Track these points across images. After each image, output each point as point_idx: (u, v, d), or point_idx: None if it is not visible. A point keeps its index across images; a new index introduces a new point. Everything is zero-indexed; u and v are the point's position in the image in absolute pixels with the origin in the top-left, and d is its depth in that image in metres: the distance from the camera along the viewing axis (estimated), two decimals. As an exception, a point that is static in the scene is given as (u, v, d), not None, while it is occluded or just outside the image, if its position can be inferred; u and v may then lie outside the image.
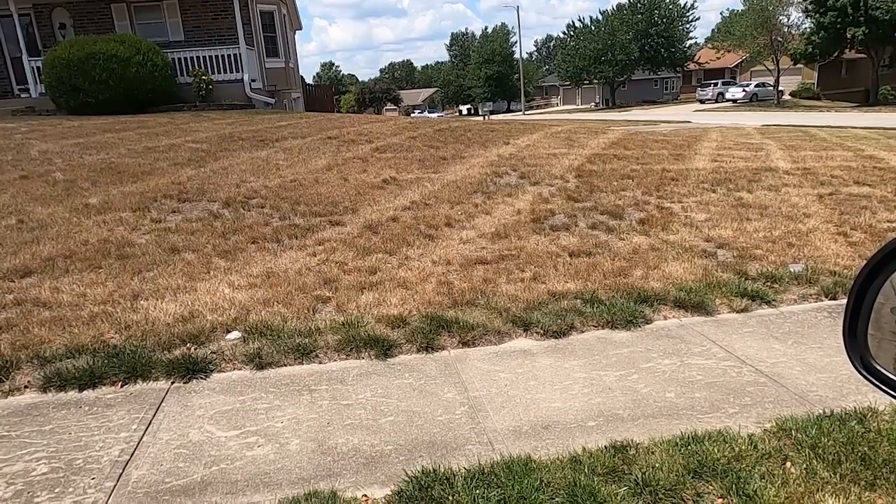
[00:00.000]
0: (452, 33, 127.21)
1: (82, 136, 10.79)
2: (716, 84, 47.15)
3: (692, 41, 55.07)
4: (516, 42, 73.62)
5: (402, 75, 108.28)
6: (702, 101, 45.93)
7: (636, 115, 36.15)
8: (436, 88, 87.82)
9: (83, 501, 2.44)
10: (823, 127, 20.17)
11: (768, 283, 4.72)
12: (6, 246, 5.50)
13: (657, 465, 2.50)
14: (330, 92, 33.99)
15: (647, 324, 4.11)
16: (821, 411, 2.90)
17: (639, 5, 52.95)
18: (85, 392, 3.29)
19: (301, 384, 3.36)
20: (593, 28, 54.04)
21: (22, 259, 5.18)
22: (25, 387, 3.34)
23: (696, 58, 55.24)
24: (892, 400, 1.10)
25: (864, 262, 1.11)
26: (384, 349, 3.71)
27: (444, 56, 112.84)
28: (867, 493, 2.31)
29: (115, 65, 14.68)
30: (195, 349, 3.70)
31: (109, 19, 17.41)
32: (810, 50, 37.96)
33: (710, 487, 2.38)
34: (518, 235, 6.06)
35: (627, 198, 7.61)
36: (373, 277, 4.87)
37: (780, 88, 41.54)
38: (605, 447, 2.66)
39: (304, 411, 3.09)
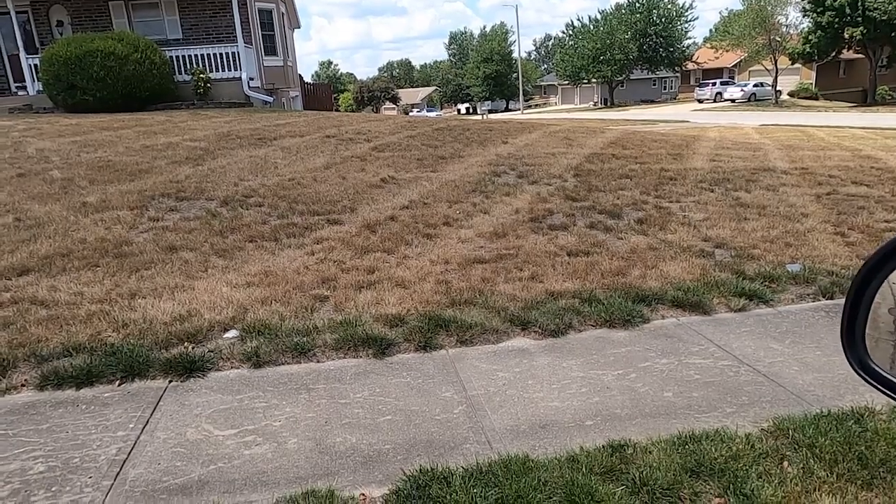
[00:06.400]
0: (451, 32, 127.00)
1: (80, 133, 10.77)
2: (714, 84, 47.19)
3: (690, 41, 55.10)
4: (515, 41, 73.73)
5: (400, 74, 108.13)
6: (700, 101, 45.97)
7: (634, 114, 36.19)
8: (434, 87, 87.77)
9: (80, 500, 2.44)
10: (821, 127, 20.24)
11: (766, 283, 4.72)
12: (3, 244, 5.48)
13: (655, 464, 2.51)
14: (328, 90, 33.93)
15: (645, 323, 4.11)
16: (818, 411, 2.91)
17: (637, 5, 52.92)
18: (82, 390, 3.28)
19: (299, 383, 3.36)
20: (592, 27, 54.05)
21: (19, 257, 5.17)
22: (22, 385, 3.34)
23: (695, 57, 55.26)
24: (889, 399, 1.10)
25: (863, 262, 1.11)
26: (382, 348, 3.71)
27: (444, 55, 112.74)
28: (864, 493, 2.32)
29: (113, 62, 14.63)
30: (193, 348, 3.70)
31: (107, 17, 17.36)
32: (808, 50, 38.06)
33: (708, 487, 2.39)
34: (516, 235, 6.06)
35: (626, 197, 7.62)
36: (371, 276, 4.87)
37: (778, 88, 41.61)
38: (603, 446, 2.67)
39: (302, 410, 3.08)
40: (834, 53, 39.04)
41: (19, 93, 17.19)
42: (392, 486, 2.47)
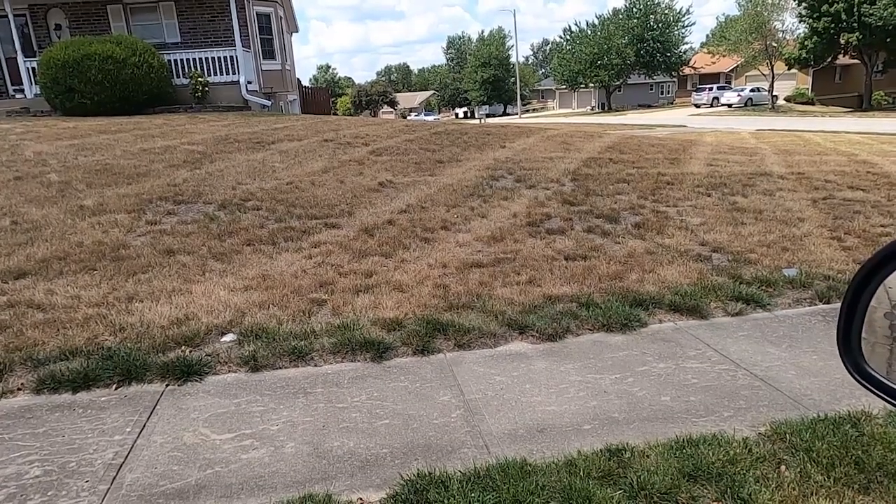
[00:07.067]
0: (449, 37, 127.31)
1: (77, 137, 10.75)
2: (711, 88, 47.30)
3: (687, 46, 55.33)
4: (513, 46, 73.90)
5: (398, 78, 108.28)
6: (697, 106, 46.07)
7: (632, 119, 36.29)
8: (432, 91, 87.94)
9: (76, 505, 2.43)
10: (817, 132, 20.31)
11: (763, 287, 4.74)
12: (0, 247, 5.47)
13: (652, 468, 2.51)
14: (326, 94, 33.97)
15: (643, 327, 4.12)
16: (815, 415, 2.91)
17: (634, 10, 53.16)
18: (79, 394, 3.27)
19: (296, 387, 3.36)
20: (589, 32, 54.23)
21: (16, 261, 5.15)
22: (19, 389, 3.33)
23: (692, 62, 55.46)
24: (885, 403, 1.10)
25: (859, 266, 1.12)
26: (380, 352, 3.70)
27: (442, 59, 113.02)
28: (861, 497, 2.32)
29: (111, 66, 14.62)
30: (190, 352, 3.69)
31: (105, 20, 17.36)
32: (804, 55, 38.22)
33: (705, 491, 2.39)
34: (514, 239, 6.07)
35: (623, 201, 7.63)
36: (369, 280, 4.87)
37: (774, 93, 41.75)
38: (601, 450, 2.67)
39: (300, 414, 3.08)
40: (830, 59, 39.21)
41: (17, 96, 17.16)
42: (390, 491, 2.47)
